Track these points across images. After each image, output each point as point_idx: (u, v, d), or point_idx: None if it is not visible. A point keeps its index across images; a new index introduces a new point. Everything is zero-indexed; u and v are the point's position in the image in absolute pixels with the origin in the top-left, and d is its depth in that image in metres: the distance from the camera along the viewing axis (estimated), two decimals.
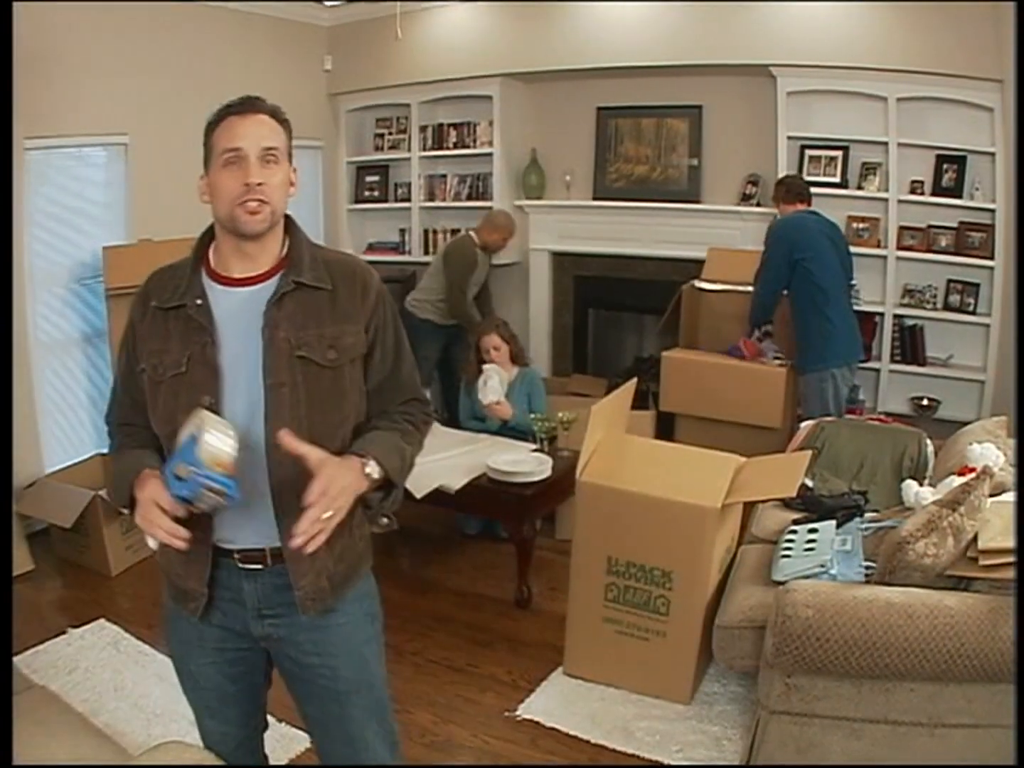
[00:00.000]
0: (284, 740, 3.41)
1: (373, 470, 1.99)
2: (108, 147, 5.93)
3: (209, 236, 2.13)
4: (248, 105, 2.02)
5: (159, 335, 2.06)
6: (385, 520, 2.20)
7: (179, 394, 2.01)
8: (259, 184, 1.96)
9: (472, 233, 6.61)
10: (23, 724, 2.65)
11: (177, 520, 1.88)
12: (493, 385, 5.29)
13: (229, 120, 2.00)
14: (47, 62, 5.37)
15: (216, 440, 1.83)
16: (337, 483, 1.90)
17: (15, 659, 3.90)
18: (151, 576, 4.90)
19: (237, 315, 2.04)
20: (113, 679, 3.96)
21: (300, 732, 3.38)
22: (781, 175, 5.80)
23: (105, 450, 5.59)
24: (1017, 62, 4.41)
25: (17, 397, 4.88)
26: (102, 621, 4.48)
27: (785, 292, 5.37)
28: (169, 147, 5.87)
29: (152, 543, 1.91)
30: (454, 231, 7.55)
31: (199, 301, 2.03)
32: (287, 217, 2.12)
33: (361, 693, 2.25)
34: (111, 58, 5.76)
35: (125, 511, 2.03)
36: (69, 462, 5.52)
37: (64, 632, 4.39)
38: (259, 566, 2.08)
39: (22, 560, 5.04)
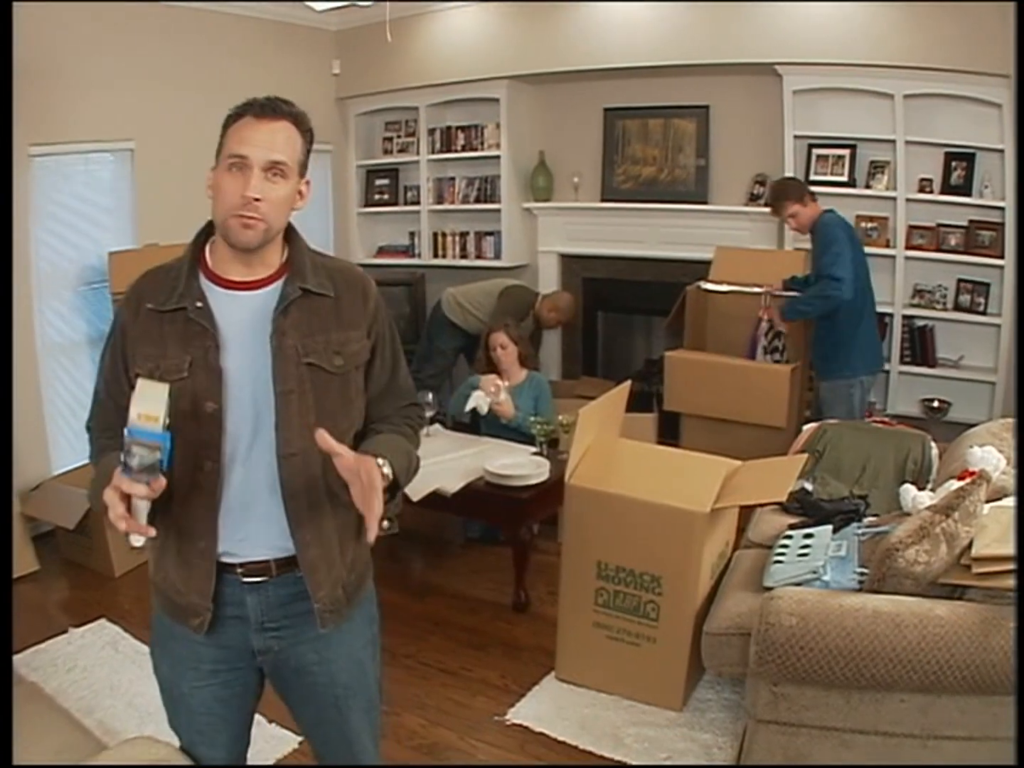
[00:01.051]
0: (273, 740, 3.41)
1: (389, 471, 1.95)
2: (115, 152, 5.95)
3: (205, 235, 2.05)
4: (269, 108, 1.92)
5: (154, 339, 1.98)
6: (387, 523, 2.16)
7: (180, 400, 1.91)
8: (257, 200, 1.88)
9: (539, 296, 6.70)
10: None
11: (178, 532, 1.94)
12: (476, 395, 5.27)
13: (246, 120, 1.91)
14: (53, 68, 5.40)
15: (141, 397, 1.78)
16: (377, 479, 1.87)
17: (14, 658, 3.91)
18: None
19: (241, 320, 1.98)
20: (110, 678, 3.99)
21: (289, 733, 3.41)
22: (788, 175, 5.76)
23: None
24: (1017, 61, 4.34)
25: (24, 400, 4.90)
26: (103, 621, 4.52)
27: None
28: (175, 152, 5.93)
29: (135, 541, 1.83)
30: (463, 234, 7.57)
31: (199, 304, 1.96)
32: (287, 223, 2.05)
33: (358, 696, 2.23)
34: (118, 64, 5.78)
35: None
36: (75, 464, 5.52)
37: (65, 631, 4.42)
38: (263, 578, 2.04)
39: (28, 561, 5.08)
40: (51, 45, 5.38)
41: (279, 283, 2.00)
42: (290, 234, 2.07)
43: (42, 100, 5.35)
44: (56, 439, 5.67)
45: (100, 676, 4.03)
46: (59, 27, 5.42)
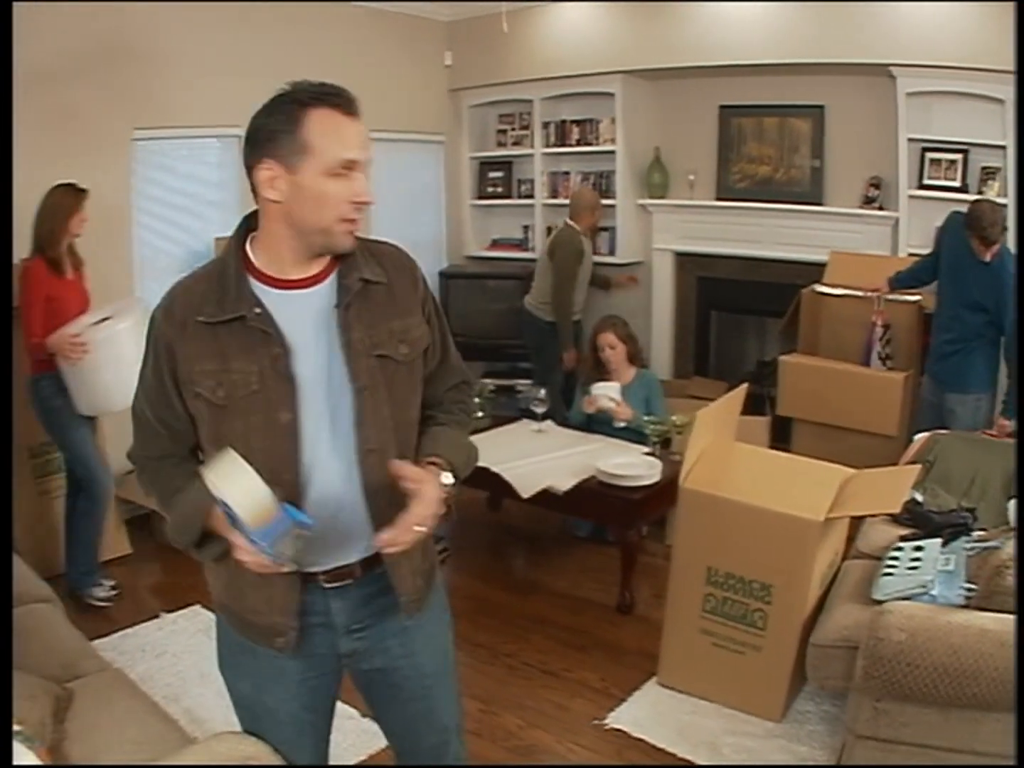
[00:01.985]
0: (365, 735, 3.40)
1: (447, 479, 1.95)
2: (221, 139, 6.05)
3: (243, 235, 1.94)
4: (352, 104, 1.83)
5: (213, 354, 1.86)
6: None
7: (251, 414, 1.85)
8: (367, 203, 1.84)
9: (571, 223, 6.56)
10: (90, 704, 2.72)
11: None
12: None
13: (335, 118, 1.79)
14: (160, 53, 5.54)
15: (242, 499, 1.67)
16: (435, 502, 1.87)
17: (101, 641, 4.01)
18: None
19: (303, 320, 1.89)
20: (199, 665, 3.96)
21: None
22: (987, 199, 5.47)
23: None
24: (1017, 60, 4.21)
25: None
26: (197, 607, 4.52)
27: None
28: None
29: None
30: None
31: (258, 310, 1.85)
32: None
33: (444, 683, 2.22)
34: (225, 51, 5.88)
35: (193, 551, 1.95)
36: None
37: (157, 616, 4.48)
38: (348, 581, 1.99)
39: (120, 544, 5.16)
40: (159, 30, 5.51)
41: (332, 276, 1.92)
42: None
43: (147, 85, 5.48)
44: None
45: (190, 663, 4.02)
46: (168, 13, 5.54)
